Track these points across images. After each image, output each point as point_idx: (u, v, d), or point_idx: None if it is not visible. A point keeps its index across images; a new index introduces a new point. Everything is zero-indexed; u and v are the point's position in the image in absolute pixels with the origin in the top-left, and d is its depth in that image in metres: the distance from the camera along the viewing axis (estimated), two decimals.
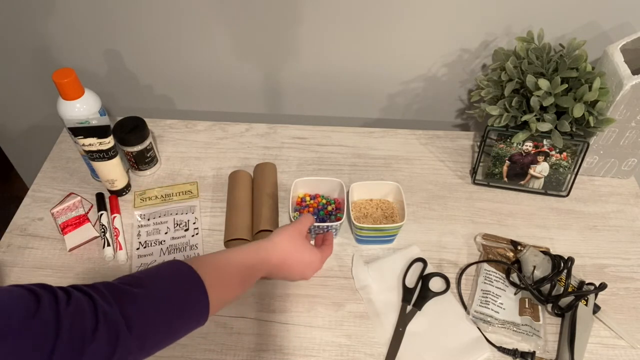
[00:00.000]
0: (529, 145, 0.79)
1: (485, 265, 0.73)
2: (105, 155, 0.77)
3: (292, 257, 0.64)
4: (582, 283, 0.69)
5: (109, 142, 0.76)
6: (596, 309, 0.68)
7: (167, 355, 0.65)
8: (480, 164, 0.86)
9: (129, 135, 0.81)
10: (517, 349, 0.65)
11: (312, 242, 0.75)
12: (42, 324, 0.38)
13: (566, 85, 0.72)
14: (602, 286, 0.67)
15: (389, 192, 0.80)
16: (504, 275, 0.72)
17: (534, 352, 0.64)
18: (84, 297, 0.42)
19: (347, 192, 0.78)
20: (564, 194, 0.85)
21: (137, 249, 0.77)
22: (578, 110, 0.72)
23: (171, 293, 0.49)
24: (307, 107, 1.03)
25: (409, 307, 0.70)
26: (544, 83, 0.72)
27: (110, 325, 0.42)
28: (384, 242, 0.78)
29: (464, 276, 0.74)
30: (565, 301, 0.67)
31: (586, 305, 0.67)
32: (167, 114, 1.06)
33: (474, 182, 0.87)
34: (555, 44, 0.80)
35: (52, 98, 0.75)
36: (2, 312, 0.36)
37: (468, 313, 0.69)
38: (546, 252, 0.72)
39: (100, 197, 0.84)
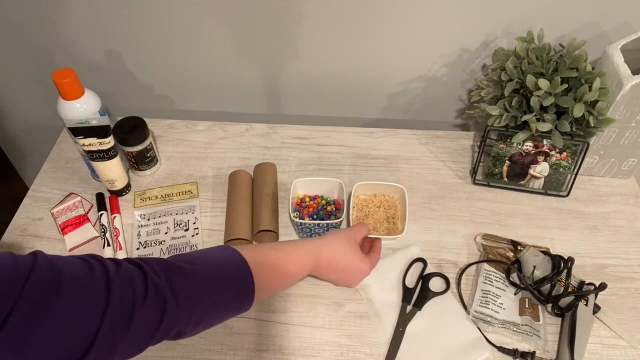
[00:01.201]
0: (529, 145, 0.79)
1: (485, 265, 0.73)
2: (105, 155, 0.77)
3: (342, 259, 0.65)
4: (582, 283, 0.69)
5: (109, 142, 0.76)
6: (596, 309, 0.68)
7: (168, 355, 0.65)
8: (480, 164, 0.86)
9: (129, 135, 0.81)
10: (517, 349, 0.65)
11: None
12: (94, 288, 0.39)
13: (566, 85, 0.72)
14: (602, 286, 0.67)
15: (394, 193, 0.80)
16: (504, 275, 0.72)
17: (534, 352, 0.64)
18: (133, 268, 0.44)
19: (347, 192, 0.78)
20: (564, 194, 0.85)
21: (137, 249, 0.78)
22: (578, 110, 0.72)
23: (219, 273, 0.50)
24: (307, 107, 1.03)
25: (409, 307, 0.70)
26: (544, 83, 0.72)
27: (158, 294, 0.43)
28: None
29: (464, 276, 0.74)
30: (565, 301, 0.67)
31: (586, 305, 0.67)
32: (167, 114, 1.06)
33: (474, 182, 0.87)
34: (555, 44, 0.80)
35: (52, 98, 0.75)
36: (56, 274, 0.38)
37: (468, 313, 0.69)
38: (546, 252, 0.72)
39: (100, 197, 0.84)
